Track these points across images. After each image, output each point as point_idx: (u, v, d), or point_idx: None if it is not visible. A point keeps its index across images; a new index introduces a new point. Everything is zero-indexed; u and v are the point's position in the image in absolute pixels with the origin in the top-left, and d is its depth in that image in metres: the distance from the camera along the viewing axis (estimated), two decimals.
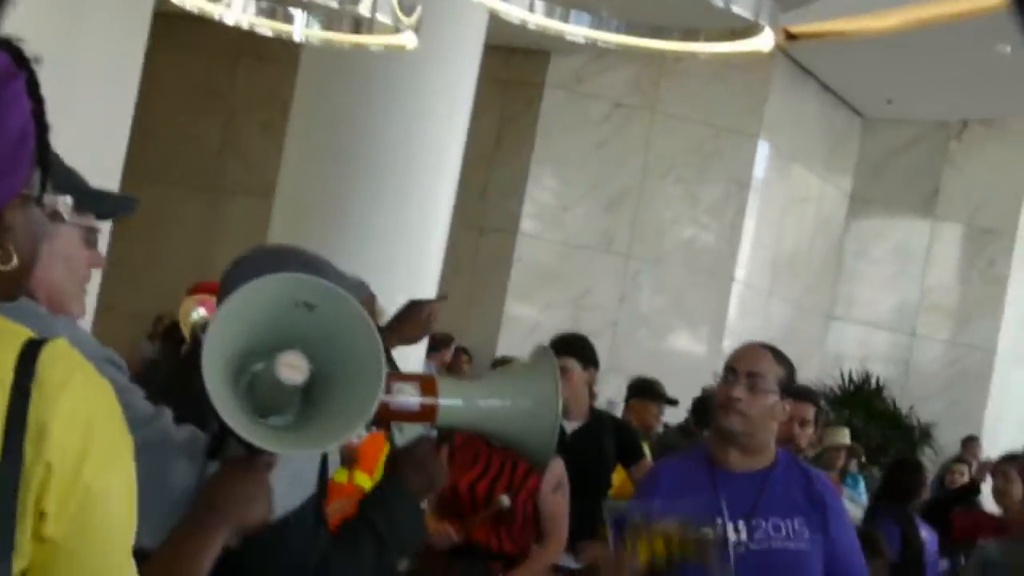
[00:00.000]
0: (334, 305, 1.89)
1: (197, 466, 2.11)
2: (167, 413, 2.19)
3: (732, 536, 3.56)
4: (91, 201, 2.30)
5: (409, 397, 2.41)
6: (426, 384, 2.46)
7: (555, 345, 5.76)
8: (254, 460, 1.91)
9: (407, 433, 2.45)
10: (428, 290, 7.63)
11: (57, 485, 1.41)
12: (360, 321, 1.90)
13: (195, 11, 5.60)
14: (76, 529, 1.43)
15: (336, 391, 1.90)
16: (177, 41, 12.81)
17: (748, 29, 5.08)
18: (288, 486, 2.12)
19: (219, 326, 1.85)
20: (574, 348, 5.70)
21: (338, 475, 4.67)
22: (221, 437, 1.96)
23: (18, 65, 1.53)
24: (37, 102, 1.55)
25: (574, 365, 5.59)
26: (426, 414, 2.43)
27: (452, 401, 2.45)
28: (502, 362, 5.54)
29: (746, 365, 3.64)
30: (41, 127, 1.55)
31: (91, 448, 1.44)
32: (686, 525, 3.49)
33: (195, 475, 2.09)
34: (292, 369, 1.83)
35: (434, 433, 2.50)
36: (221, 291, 2.45)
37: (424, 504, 2.58)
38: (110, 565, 1.47)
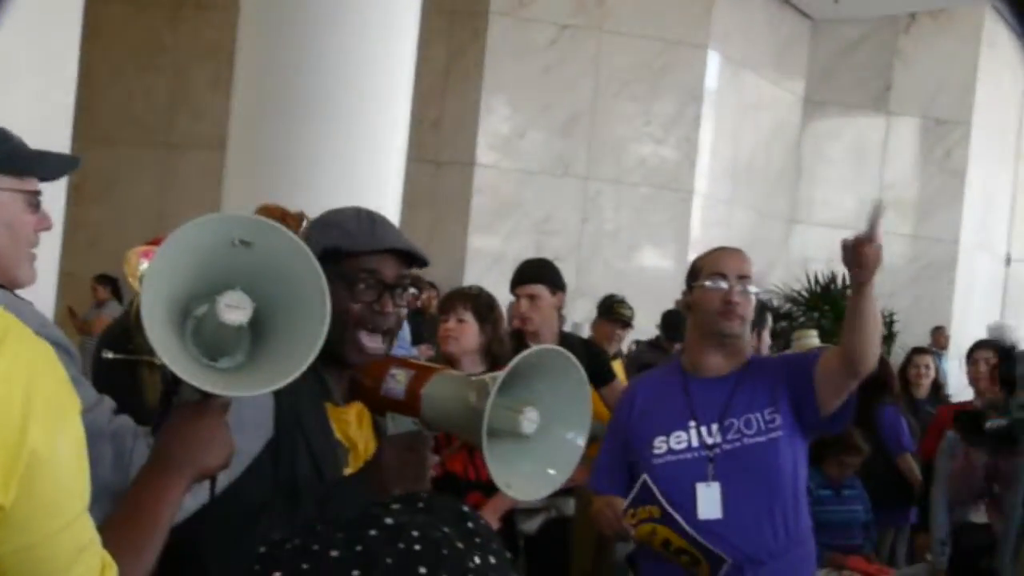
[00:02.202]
0: (271, 240, 1.84)
1: (123, 462, 2.08)
2: (107, 403, 2.15)
3: (708, 439, 3.59)
4: (32, 164, 2.25)
5: (398, 385, 2.26)
6: (420, 374, 2.26)
7: (521, 272, 5.74)
8: (207, 403, 1.86)
9: (399, 425, 2.33)
10: None
11: (1, 451, 1.38)
12: (300, 255, 1.85)
13: None
14: (25, 494, 1.39)
15: (283, 328, 1.86)
16: None
17: None
18: (239, 431, 2.02)
19: (155, 273, 1.80)
20: (541, 274, 5.68)
21: None
22: (173, 384, 1.92)
23: None
24: None
25: (543, 291, 5.57)
26: (411, 406, 2.25)
27: (435, 395, 2.23)
28: (459, 292, 5.39)
29: (735, 269, 3.65)
30: None
31: (33, 410, 1.40)
32: (694, 542, 3.52)
33: (120, 470, 2.06)
34: (234, 309, 1.80)
35: (427, 431, 2.29)
36: None
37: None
38: (62, 527, 1.44)
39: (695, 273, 3.70)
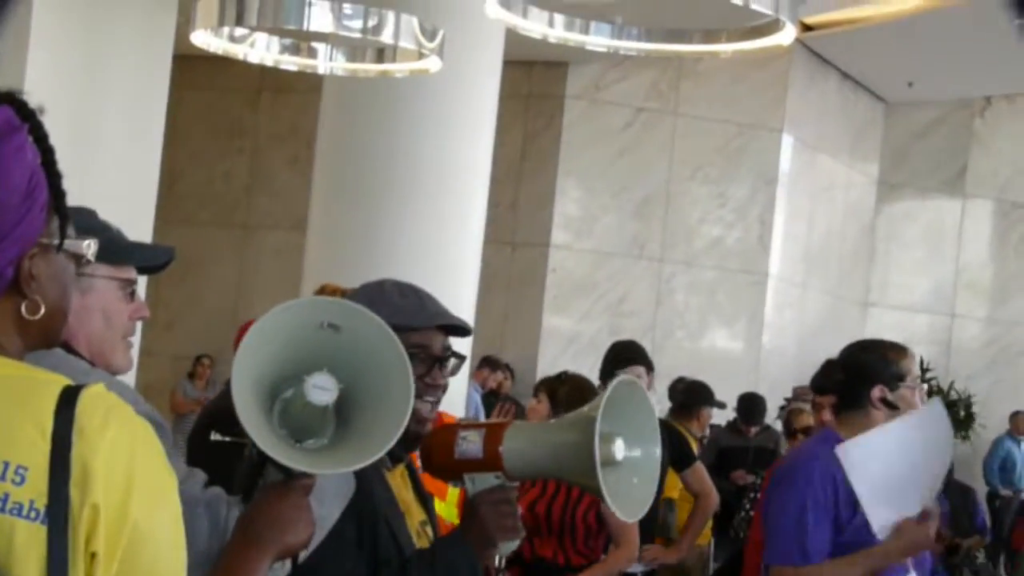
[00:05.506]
0: (359, 325, 1.91)
1: (219, 530, 2.13)
2: (199, 474, 2.21)
3: None
4: (129, 253, 2.31)
5: (472, 445, 2.35)
6: (492, 431, 2.37)
7: (619, 354, 5.76)
8: (291, 483, 1.90)
9: (479, 484, 2.39)
10: (466, 310, 7.65)
11: (105, 525, 1.42)
12: (386, 339, 1.91)
13: (220, 52, 5.62)
14: (127, 568, 1.43)
15: (368, 409, 1.91)
16: (197, 81, 12.88)
17: (768, 25, 5.07)
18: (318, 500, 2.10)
19: (245, 354, 1.86)
20: (640, 356, 5.72)
21: None
22: (259, 465, 1.96)
23: (21, 117, 1.53)
24: (45, 151, 1.55)
25: (642, 372, 5.57)
26: (492, 462, 2.35)
27: (517, 447, 2.34)
28: (549, 380, 5.58)
29: None
30: (52, 176, 1.55)
31: (135, 486, 1.45)
32: None
33: (216, 538, 2.10)
34: (321, 390, 1.85)
35: (509, 483, 2.39)
36: None
37: (501, 552, 2.44)
38: None
39: (899, 374, 3.77)
